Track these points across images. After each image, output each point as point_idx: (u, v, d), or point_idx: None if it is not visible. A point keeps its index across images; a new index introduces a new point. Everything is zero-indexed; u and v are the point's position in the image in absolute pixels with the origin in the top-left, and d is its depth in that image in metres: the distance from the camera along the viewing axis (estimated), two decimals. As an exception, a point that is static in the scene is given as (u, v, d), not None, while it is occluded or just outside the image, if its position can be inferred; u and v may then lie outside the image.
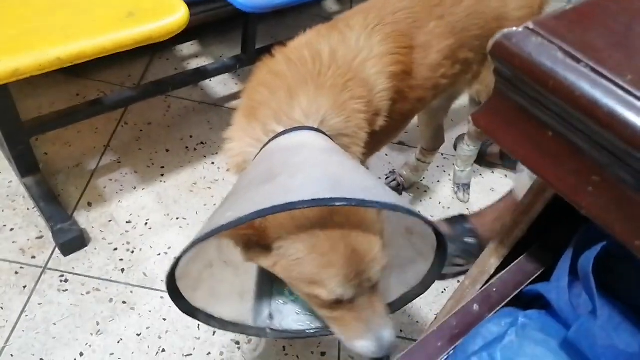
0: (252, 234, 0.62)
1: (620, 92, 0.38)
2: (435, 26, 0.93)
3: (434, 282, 0.71)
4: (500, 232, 0.64)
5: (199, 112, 1.63)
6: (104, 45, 0.97)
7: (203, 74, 1.61)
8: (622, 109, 0.38)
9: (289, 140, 0.72)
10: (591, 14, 0.45)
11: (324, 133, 0.74)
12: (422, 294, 0.73)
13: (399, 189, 1.53)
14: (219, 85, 1.73)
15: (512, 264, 0.61)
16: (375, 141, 0.90)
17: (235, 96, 1.70)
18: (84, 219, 1.27)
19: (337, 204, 0.52)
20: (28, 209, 1.26)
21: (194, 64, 1.77)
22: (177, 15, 1.06)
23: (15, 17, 0.99)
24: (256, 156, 0.75)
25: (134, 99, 1.46)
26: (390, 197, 0.58)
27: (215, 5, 1.67)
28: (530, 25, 0.42)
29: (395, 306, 0.76)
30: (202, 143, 1.52)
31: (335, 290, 0.62)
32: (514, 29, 0.42)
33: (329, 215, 0.60)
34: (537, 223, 0.61)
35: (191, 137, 1.54)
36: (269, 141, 0.73)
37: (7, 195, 1.28)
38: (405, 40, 0.89)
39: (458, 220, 1.32)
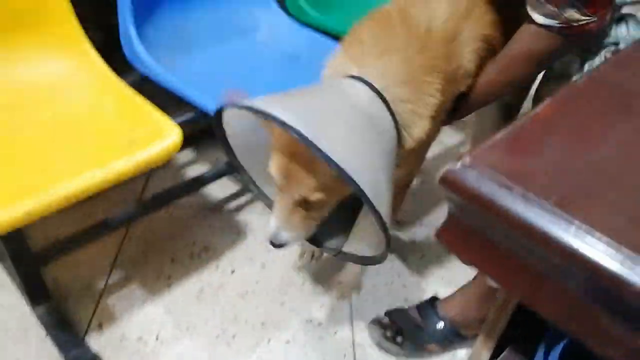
0: None
1: (547, 214, 0.44)
2: None
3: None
4: (485, 326, 0.68)
5: (200, 218, 1.70)
6: (106, 178, 1.06)
7: (201, 181, 1.70)
8: (552, 227, 0.44)
9: (344, 86, 0.81)
10: (520, 140, 0.53)
11: (381, 97, 0.80)
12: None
13: None
14: (218, 189, 1.81)
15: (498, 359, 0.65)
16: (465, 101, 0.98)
17: (234, 197, 1.79)
18: (96, 341, 1.30)
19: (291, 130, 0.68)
20: (41, 338, 1.29)
21: (192, 170, 1.87)
22: (171, 139, 1.14)
23: (23, 161, 1.07)
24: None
25: (137, 215, 1.54)
26: (362, 177, 0.69)
27: (205, 120, 1.78)
28: (467, 161, 0.49)
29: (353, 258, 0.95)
30: (205, 248, 1.58)
31: (271, 166, 0.83)
32: (456, 166, 0.49)
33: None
34: (517, 314, 0.66)
35: (194, 243, 1.60)
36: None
37: (19, 326, 1.31)
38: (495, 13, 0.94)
39: (428, 306, 1.33)
